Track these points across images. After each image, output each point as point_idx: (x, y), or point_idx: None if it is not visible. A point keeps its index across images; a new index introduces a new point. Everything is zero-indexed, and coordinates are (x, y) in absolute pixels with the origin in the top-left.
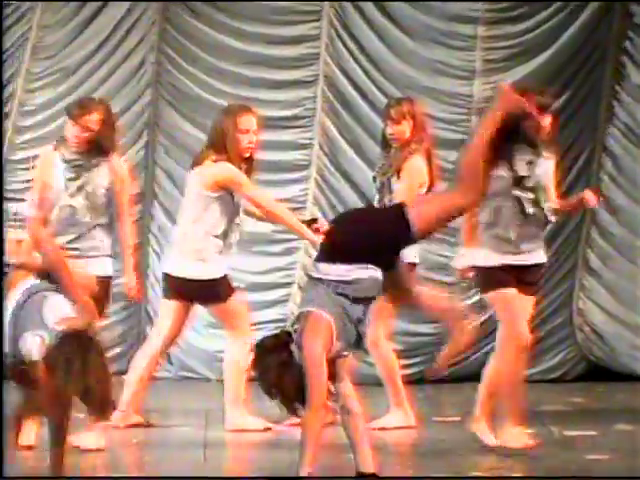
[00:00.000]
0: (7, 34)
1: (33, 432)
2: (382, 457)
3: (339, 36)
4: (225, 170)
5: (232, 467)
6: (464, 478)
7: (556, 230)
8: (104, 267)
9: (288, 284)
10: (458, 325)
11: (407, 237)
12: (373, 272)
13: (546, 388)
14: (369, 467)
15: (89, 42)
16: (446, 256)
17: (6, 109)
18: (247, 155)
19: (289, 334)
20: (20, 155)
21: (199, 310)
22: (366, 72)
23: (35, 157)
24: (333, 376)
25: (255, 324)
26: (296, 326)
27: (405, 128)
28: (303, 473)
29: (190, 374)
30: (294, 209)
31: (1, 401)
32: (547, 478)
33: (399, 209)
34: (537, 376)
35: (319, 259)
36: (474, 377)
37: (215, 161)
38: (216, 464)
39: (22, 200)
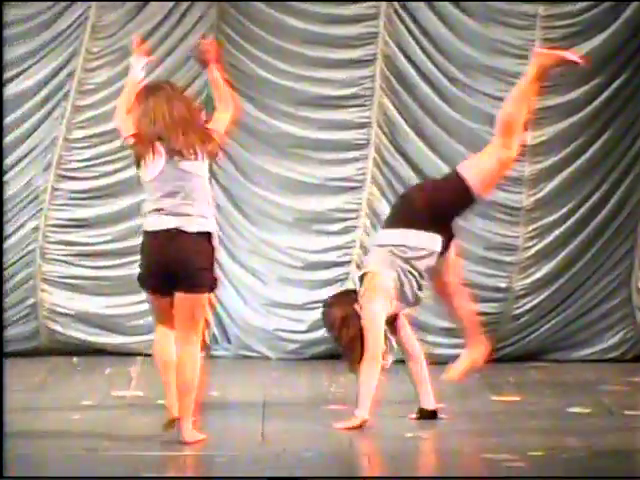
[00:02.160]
0: (66, 13)
1: None
2: (442, 436)
3: (398, 15)
4: None
5: (290, 446)
6: (463, 478)
7: (615, 210)
8: None
9: (346, 263)
10: (477, 341)
11: (470, 200)
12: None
13: (605, 367)
14: (431, 404)
15: (148, 21)
16: (506, 235)
17: (65, 88)
18: None
19: (355, 292)
20: (79, 134)
21: (257, 288)
22: (425, 51)
23: (94, 136)
24: (396, 330)
25: (314, 303)
26: (360, 287)
27: None
28: (361, 417)
29: (249, 353)
30: (352, 188)
31: (1, 401)
32: (547, 478)
33: (456, 175)
34: (596, 355)
35: (383, 227)
36: (532, 356)
37: None
38: (274, 443)
39: (79, 179)
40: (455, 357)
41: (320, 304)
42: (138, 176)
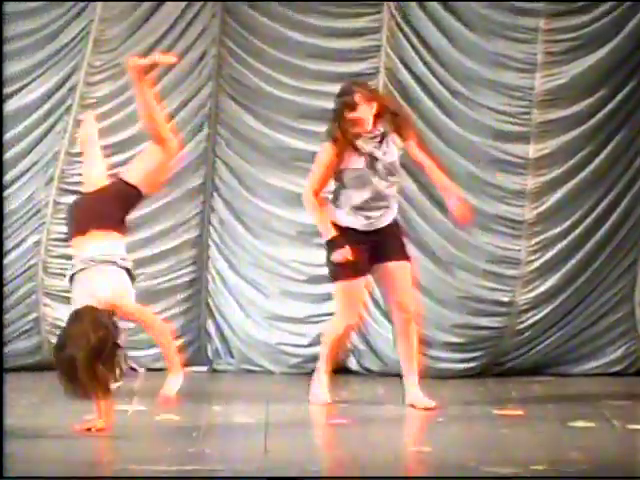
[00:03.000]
0: (68, 27)
1: None
2: (445, 450)
3: (400, 28)
4: None
5: (293, 458)
6: (466, 478)
7: (618, 223)
8: None
9: None
10: None
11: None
12: None
13: (608, 382)
14: None
15: (150, 35)
16: (508, 249)
17: (67, 102)
18: None
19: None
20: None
21: (260, 301)
22: (427, 64)
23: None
24: None
25: (317, 316)
26: None
27: None
28: None
29: (252, 367)
30: None
31: (1, 400)
32: (548, 478)
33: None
34: (599, 369)
35: None
36: (535, 370)
37: None
38: (277, 457)
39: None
40: (458, 371)
41: (324, 317)
42: None
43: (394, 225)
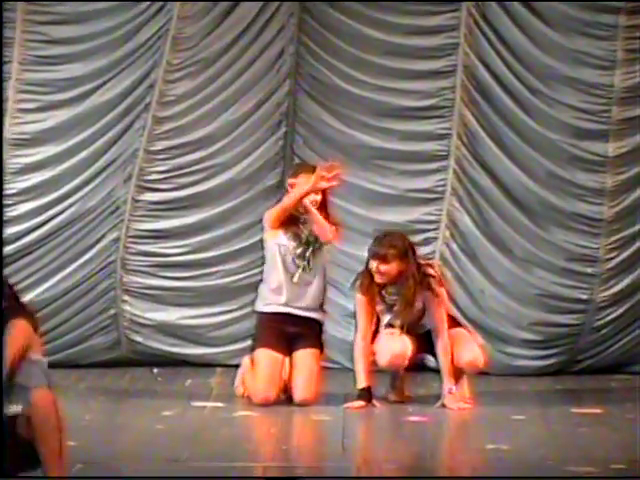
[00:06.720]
0: (147, 25)
1: None
2: (523, 448)
3: (478, 26)
4: None
5: (370, 456)
6: (468, 478)
7: None
8: None
9: None
10: None
11: None
12: None
13: None
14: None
15: (228, 33)
16: (587, 247)
17: (146, 100)
18: None
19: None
20: (159, 146)
21: (338, 299)
22: (505, 62)
23: (174, 147)
24: None
25: None
26: None
27: None
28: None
29: (329, 364)
30: (432, 199)
31: (1, 402)
32: (549, 478)
33: None
34: None
35: None
36: (613, 368)
37: None
38: (354, 455)
39: (159, 190)
40: (536, 369)
41: None
42: None
43: None
